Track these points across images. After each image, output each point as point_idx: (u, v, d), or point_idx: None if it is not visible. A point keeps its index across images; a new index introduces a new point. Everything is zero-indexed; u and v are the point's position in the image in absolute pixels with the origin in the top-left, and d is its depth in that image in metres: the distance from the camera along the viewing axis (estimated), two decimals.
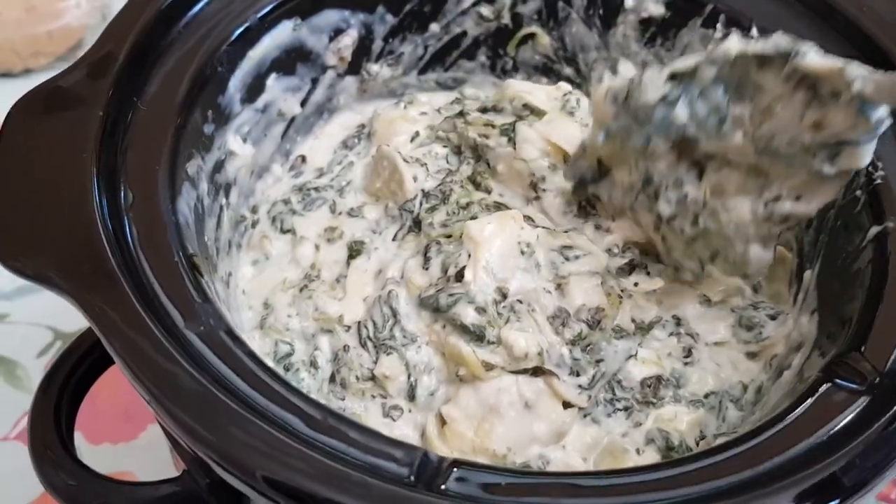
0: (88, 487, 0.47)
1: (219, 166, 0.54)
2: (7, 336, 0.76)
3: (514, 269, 0.51)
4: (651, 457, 0.48)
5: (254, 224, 0.59)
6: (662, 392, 0.50)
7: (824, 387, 0.41)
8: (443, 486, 0.37)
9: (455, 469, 0.37)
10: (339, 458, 0.37)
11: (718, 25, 0.59)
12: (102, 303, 0.39)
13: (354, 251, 0.56)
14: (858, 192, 0.51)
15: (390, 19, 0.62)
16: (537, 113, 0.58)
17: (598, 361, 0.51)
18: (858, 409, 0.40)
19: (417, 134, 0.60)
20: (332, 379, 0.51)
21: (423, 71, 0.66)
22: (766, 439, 0.39)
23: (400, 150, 0.59)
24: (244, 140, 0.56)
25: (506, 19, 0.65)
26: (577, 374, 0.50)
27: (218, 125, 0.53)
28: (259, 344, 0.53)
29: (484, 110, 0.60)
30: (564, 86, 0.60)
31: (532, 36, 0.65)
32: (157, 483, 0.47)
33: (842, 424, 0.39)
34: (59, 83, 0.47)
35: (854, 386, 0.41)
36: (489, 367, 0.49)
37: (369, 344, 0.51)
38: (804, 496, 0.36)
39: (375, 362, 0.51)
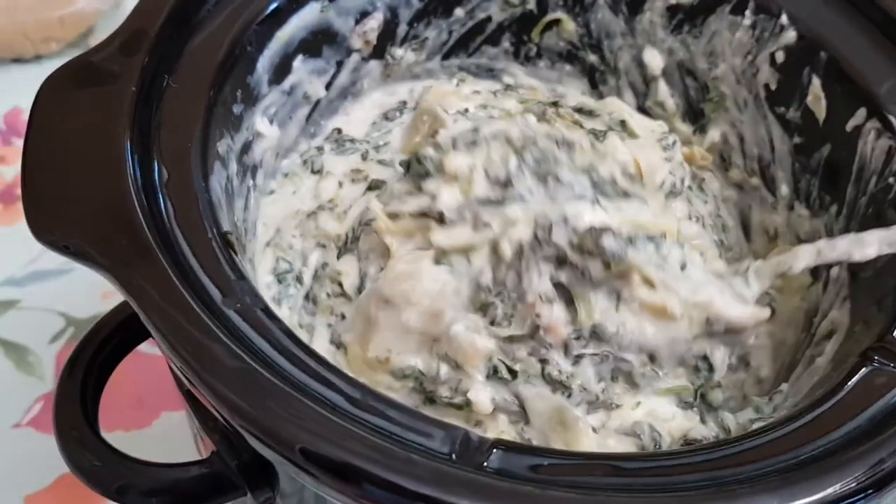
0: (114, 468, 0.46)
1: (247, 147, 0.53)
2: (19, 322, 0.76)
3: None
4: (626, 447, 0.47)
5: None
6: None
7: (864, 370, 0.41)
8: (485, 465, 0.37)
9: (496, 449, 0.37)
10: (381, 434, 0.36)
11: (747, 12, 0.59)
12: (140, 278, 0.38)
13: (374, 186, 0.57)
14: (891, 180, 0.50)
15: (416, 3, 0.61)
16: (631, 134, 0.57)
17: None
18: None
19: (467, 110, 0.60)
20: (307, 296, 0.52)
21: (446, 56, 0.65)
22: (809, 422, 0.39)
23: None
24: (270, 122, 0.56)
25: (531, 5, 0.64)
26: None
27: (247, 105, 0.53)
28: (265, 261, 0.54)
29: (579, 110, 0.59)
30: (664, 125, 0.59)
31: (557, 22, 0.65)
32: (185, 465, 0.46)
33: (886, 406, 0.39)
34: (91, 59, 0.46)
35: (895, 368, 0.41)
36: (394, 216, 0.49)
37: (343, 252, 0.53)
38: (850, 481, 0.36)
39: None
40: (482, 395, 0.46)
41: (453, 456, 0.36)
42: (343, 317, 0.51)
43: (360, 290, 0.51)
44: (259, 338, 0.39)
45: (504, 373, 0.47)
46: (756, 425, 0.46)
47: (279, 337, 0.39)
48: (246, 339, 0.39)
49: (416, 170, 0.51)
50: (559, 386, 0.47)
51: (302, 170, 0.60)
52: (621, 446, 0.47)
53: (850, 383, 0.41)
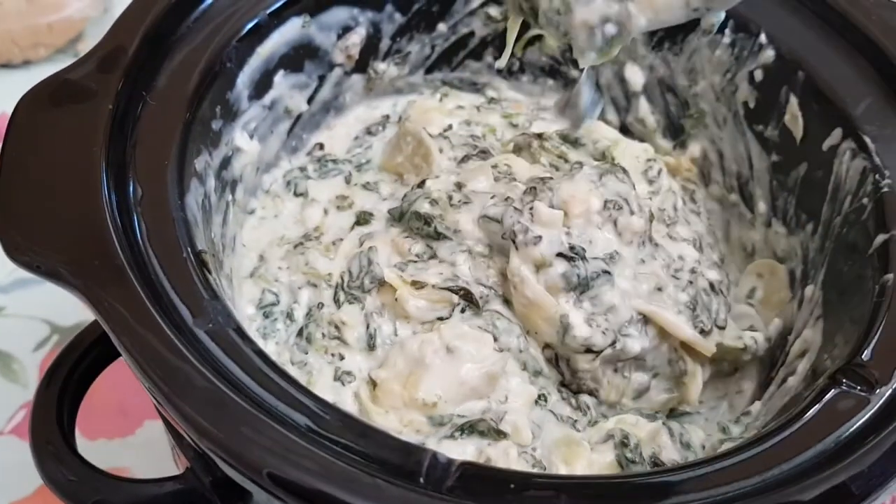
0: (90, 483, 0.46)
1: (226, 162, 0.53)
2: (3, 329, 0.76)
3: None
4: (607, 455, 0.48)
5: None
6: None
7: (832, 392, 0.41)
8: (452, 487, 0.37)
9: (463, 471, 0.37)
10: (348, 458, 0.37)
11: (727, 31, 0.59)
12: (112, 299, 0.39)
13: (362, 220, 0.57)
14: (865, 200, 0.51)
15: (398, 18, 0.62)
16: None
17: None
18: (867, 416, 0.40)
19: (450, 127, 0.60)
20: (300, 333, 0.53)
21: (429, 70, 0.66)
22: (775, 445, 0.40)
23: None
24: (251, 136, 0.56)
25: None
26: None
27: (226, 121, 0.53)
28: (248, 291, 0.54)
29: (564, 138, 0.60)
30: (650, 150, 0.61)
31: (539, 37, 0.65)
32: (159, 480, 0.47)
33: (850, 431, 0.39)
34: (68, 76, 0.46)
35: (862, 392, 0.41)
36: (419, 285, 0.50)
37: (341, 296, 0.53)
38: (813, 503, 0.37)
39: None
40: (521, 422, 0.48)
41: (420, 479, 0.37)
42: (342, 357, 0.51)
43: (369, 345, 0.51)
44: (229, 360, 0.39)
45: (541, 402, 0.51)
46: (725, 446, 0.46)
47: (250, 357, 0.40)
48: (216, 361, 0.39)
49: (415, 224, 0.54)
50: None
51: (285, 191, 0.60)
52: (604, 455, 0.48)
53: (817, 406, 0.41)
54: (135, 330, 0.38)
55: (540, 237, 0.50)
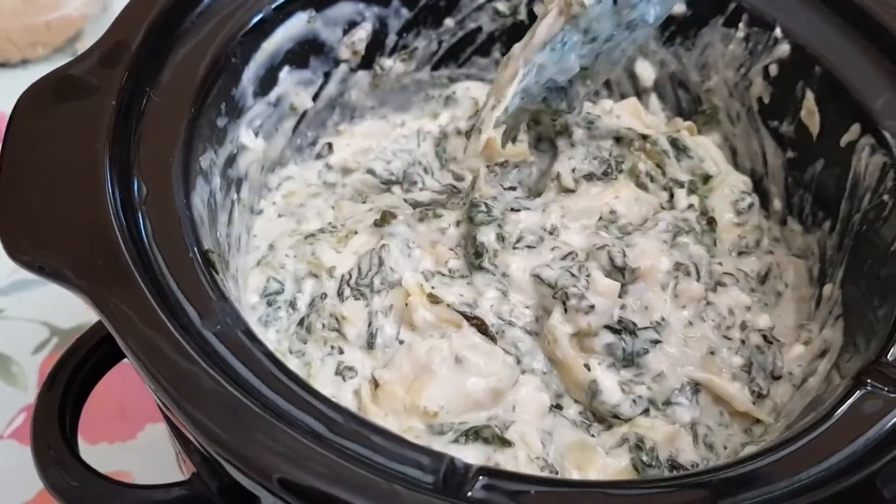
0: (93, 489, 0.45)
1: (231, 160, 0.52)
2: (2, 332, 0.75)
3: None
4: (622, 460, 0.46)
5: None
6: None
7: (858, 394, 0.40)
8: (469, 494, 0.36)
9: (481, 476, 0.36)
10: (363, 463, 0.36)
11: (741, 25, 0.58)
12: (117, 300, 0.37)
13: (384, 219, 0.55)
14: (886, 197, 0.50)
15: (405, 13, 0.61)
16: (709, 190, 0.58)
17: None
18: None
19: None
20: (301, 322, 0.52)
21: (436, 67, 0.65)
22: (802, 447, 0.38)
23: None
24: (256, 134, 0.55)
25: (522, 15, 0.64)
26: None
27: (231, 118, 0.52)
28: (254, 280, 0.53)
29: (673, 143, 0.59)
30: (749, 182, 0.60)
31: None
32: (165, 486, 0.45)
33: (879, 433, 0.38)
34: (71, 71, 0.45)
35: (890, 394, 0.40)
36: (434, 300, 0.50)
37: (346, 291, 0.52)
38: None
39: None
40: (529, 433, 0.47)
41: (438, 485, 0.35)
42: (342, 351, 0.50)
43: (369, 343, 0.50)
44: (238, 362, 0.38)
45: (555, 410, 0.50)
46: (748, 448, 0.45)
47: (260, 360, 0.39)
48: (225, 364, 0.38)
49: (469, 247, 0.52)
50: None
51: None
52: (618, 459, 0.47)
53: (843, 408, 0.40)
54: (141, 331, 0.37)
55: (593, 306, 0.49)
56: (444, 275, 0.52)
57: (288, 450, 0.35)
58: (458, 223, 0.54)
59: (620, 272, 0.51)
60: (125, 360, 0.51)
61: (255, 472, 0.35)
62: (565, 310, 0.49)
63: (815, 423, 0.40)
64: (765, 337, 0.53)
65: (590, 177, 0.57)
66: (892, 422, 0.39)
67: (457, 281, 0.52)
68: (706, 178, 0.58)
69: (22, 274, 0.78)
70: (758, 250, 0.57)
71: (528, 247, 0.52)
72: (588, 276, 0.50)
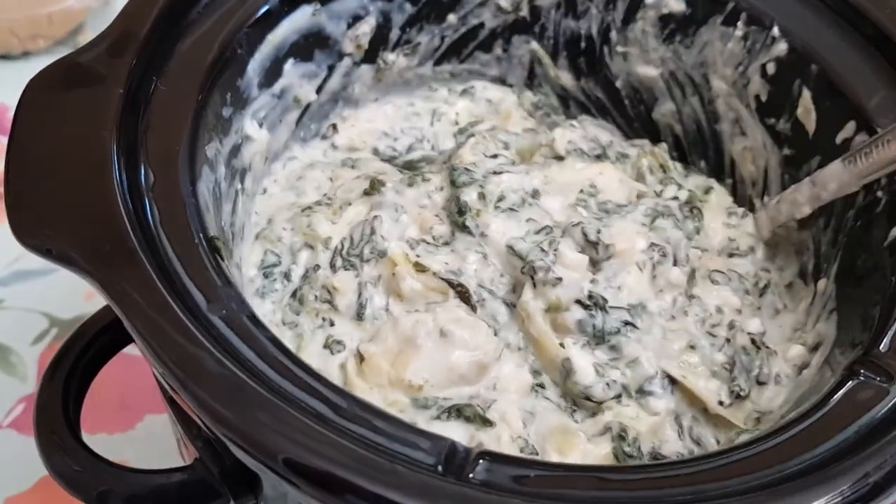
0: (96, 474, 0.45)
1: (235, 150, 0.53)
2: (1, 322, 0.75)
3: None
4: (603, 447, 0.47)
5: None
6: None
7: (851, 384, 0.41)
8: (471, 476, 0.36)
9: (482, 460, 0.37)
10: (366, 445, 0.36)
11: (739, 24, 0.59)
12: (125, 284, 0.38)
13: (373, 186, 0.56)
14: (880, 194, 0.51)
15: (409, 8, 0.61)
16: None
17: None
18: (888, 406, 0.39)
19: None
20: (294, 294, 0.52)
21: (438, 62, 0.65)
22: (795, 435, 0.39)
23: None
24: (260, 125, 0.55)
25: (524, 12, 0.64)
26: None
27: (236, 109, 0.52)
28: (253, 254, 0.54)
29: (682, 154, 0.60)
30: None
31: None
32: (167, 471, 0.46)
33: (871, 421, 0.39)
34: (78, 59, 0.46)
35: (882, 383, 0.41)
36: (420, 268, 0.50)
37: (338, 262, 0.52)
38: (835, 495, 0.36)
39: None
40: (511, 412, 0.47)
41: (439, 467, 0.36)
42: (332, 323, 0.51)
43: (358, 314, 0.51)
44: (244, 346, 0.38)
45: (537, 389, 0.50)
46: (742, 437, 0.46)
47: (264, 344, 0.39)
48: (231, 347, 0.38)
49: (451, 207, 0.53)
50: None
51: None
52: (599, 447, 0.47)
53: (836, 396, 0.41)
54: (149, 315, 0.37)
55: (560, 279, 0.49)
56: (428, 243, 0.53)
57: (293, 431, 0.35)
58: (441, 188, 0.55)
59: (594, 247, 0.51)
60: (126, 349, 0.52)
61: (260, 452, 0.35)
62: (534, 284, 0.50)
63: (808, 412, 0.40)
64: (753, 341, 0.52)
65: (581, 152, 0.58)
66: (884, 410, 0.40)
67: (441, 249, 0.52)
68: (707, 190, 0.60)
69: (21, 264, 0.78)
70: (752, 255, 0.58)
71: (510, 209, 0.53)
72: (556, 250, 0.50)
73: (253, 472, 0.40)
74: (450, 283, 0.51)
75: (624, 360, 0.49)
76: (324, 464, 0.34)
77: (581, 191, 0.55)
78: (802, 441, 0.39)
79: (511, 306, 0.52)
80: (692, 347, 0.51)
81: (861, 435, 0.39)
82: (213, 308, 0.39)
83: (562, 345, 0.49)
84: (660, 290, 0.51)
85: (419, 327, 0.48)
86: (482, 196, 0.53)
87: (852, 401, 0.40)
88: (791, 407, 0.47)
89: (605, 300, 0.49)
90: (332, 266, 0.52)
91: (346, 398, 0.38)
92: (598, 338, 0.49)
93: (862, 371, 0.42)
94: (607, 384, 0.49)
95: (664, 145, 0.63)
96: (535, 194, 0.54)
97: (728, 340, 0.52)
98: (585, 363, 0.49)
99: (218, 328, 0.39)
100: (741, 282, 0.56)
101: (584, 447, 0.46)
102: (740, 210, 0.60)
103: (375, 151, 0.62)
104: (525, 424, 0.47)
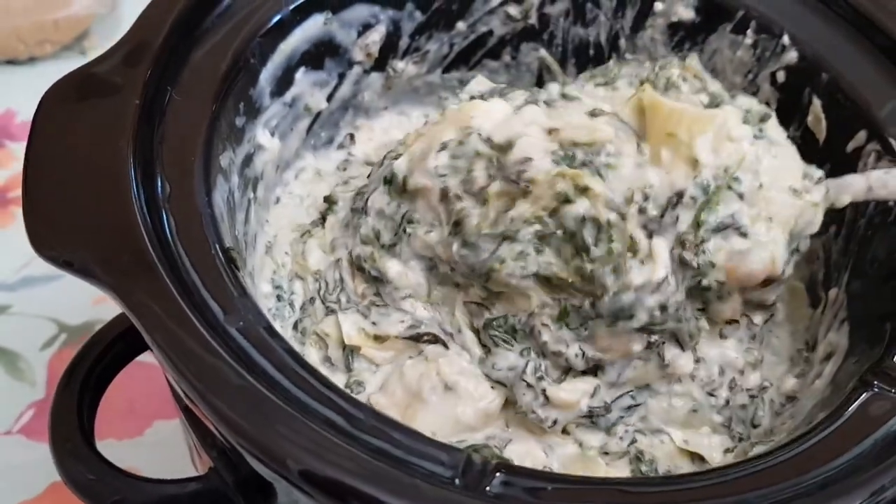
0: (110, 483, 0.46)
1: (248, 160, 0.53)
2: (10, 328, 0.75)
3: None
4: (622, 470, 0.47)
5: None
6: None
7: (864, 395, 0.41)
8: (488, 489, 0.36)
9: (499, 472, 0.37)
10: (383, 457, 0.36)
11: (749, 32, 0.59)
12: (144, 296, 0.38)
13: (329, 211, 0.56)
14: (891, 203, 0.51)
15: (418, 16, 0.61)
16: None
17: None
18: None
19: None
20: (296, 326, 0.52)
21: (447, 69, 0.65)
22: (809, 448, 0.39)
23: None
24: (272, 134, 0.55)
25: (533, 20, 0.64)
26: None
27: (249, 118, 0.52)
28: (265, 268, 0.54)
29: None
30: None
31: None
32: (182, 481, 0.46)
33: (887, 433, 0.39)
34: (94, 70, 0.46)
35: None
36: (381, 339, 0.50)
37: (317, 301, 0.52)
38: None
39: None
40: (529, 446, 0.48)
41: (456, 480, 0.36)
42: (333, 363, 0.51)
43: (347, 365, 0.50)
44: (261, 357, 0.38)
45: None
46: (756, 449, 0.46)
47: (281, 355, 0.39)
48: (249, 358, 0.38)
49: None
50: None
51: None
52: (619, 471, 0.48)
53: (850, 409, 0.41)
54: (168, 327, 0.37)
55: (556, 421, 0.48)
56: (373, 303, 0.52)
57: (310, 442, 0.35)
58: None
59: (588, 364, 0.49)
60: (138, 357, 0.52)
61: (278, 463, 0.35)
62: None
63: (822, 425, 0.40)
64: (752, 396, 0.52)
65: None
66: None
67: (389, 308, 0.51)
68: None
69: (30, 270, 0.79)
70: None
71: (404, 239, 0.51)
72: (544, 391, 0.48)
73: (268, 482, 0.41)
74: (414, 338, 0.50)
75: (631, 427, 0.50)
76: (341, 475, 0.35)
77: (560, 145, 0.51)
78: (817, 454, 0.39)
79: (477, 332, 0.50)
80: (695, 411, 0.50)
81: (877, 448, 0.39)
82: (230, 319, 0.39)
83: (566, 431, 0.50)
84: (663, 376, 0.50)
85: (424, 381, 0.48)
86: (371, 239, 0.52)
87: (867, 413, 0.40)
88: (804, 419, 0.47)
89: (607, 405, 0.49)
90: (323, 302, 0.52)
91: (363, 410, 0.38)
92: (606, 430, 0.50)
93: (875, 382, 0.42)
94: (620, 438, 0.49)
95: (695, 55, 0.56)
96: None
97: (727, 402, 0.51)
98: (595, 440, 0.49)
99: (235, 339, 0.39)
100: (749, 328, 0.52)
101: (605, 472, 0.47)
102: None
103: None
104: (546, 455, 0.47)
